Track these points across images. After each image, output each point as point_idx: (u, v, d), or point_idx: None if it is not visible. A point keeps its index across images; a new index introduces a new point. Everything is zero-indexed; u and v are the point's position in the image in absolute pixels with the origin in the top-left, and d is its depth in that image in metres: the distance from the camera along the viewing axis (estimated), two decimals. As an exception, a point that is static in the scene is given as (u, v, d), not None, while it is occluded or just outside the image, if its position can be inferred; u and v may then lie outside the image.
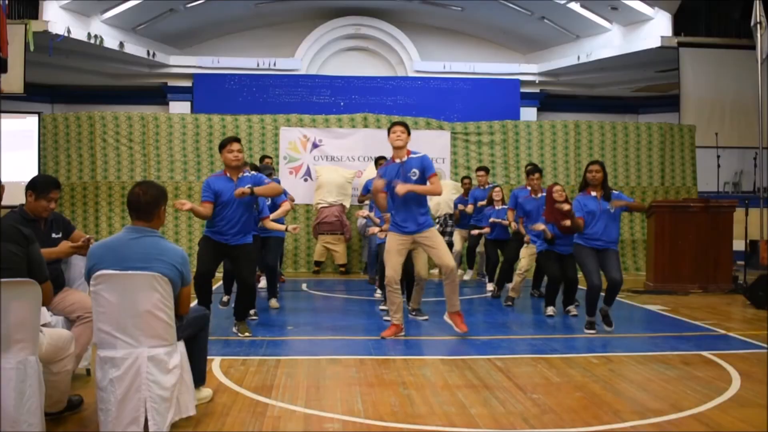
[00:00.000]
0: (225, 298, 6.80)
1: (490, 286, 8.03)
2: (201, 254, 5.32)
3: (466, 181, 9.26)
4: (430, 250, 5.32)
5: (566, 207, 5.64)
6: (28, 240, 2.90)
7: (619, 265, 5.67)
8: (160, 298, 3.04)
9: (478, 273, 9.37)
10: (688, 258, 8.23)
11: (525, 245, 7.12)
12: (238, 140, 5.30)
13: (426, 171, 5.26)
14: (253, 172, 5.51)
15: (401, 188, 5.08)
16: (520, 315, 6.73)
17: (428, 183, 5.25)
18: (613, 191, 5.75)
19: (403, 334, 5.42)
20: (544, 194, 6.74)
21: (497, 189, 8.05)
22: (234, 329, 5.45)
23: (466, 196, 9.03)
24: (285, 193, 8.61)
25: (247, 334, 5.38)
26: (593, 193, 5.69)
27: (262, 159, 8.57)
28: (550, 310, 6.51)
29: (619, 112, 14.96)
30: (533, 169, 7.12)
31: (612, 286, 5.62)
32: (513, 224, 7.40)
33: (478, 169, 8.91)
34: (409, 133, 5.32)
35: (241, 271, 5.31)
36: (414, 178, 5.23)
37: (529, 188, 7.16)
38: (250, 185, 5.20)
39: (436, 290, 7.50)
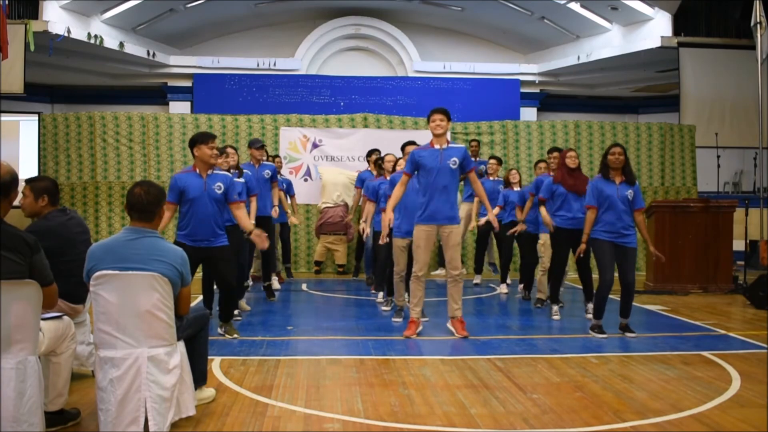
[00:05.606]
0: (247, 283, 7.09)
1: (504, 288, 8.06)
2: None
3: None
4: (447, 247, 5.33)
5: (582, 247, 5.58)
6: (32, 249, 2.88)
7: (634, 268, 5.43)
8: (160, 298, 3.04)
9: (489, 262, 9.33)
10: (688, 258, 8.23)
11: (539, 242, 6.92)
12: (215, 138, 5.16)
13: (467, 165, 5.35)
14: (224, 172, 5.32)
15: (493, 219, 5.56)
16: (520, 315, 6.72)
17: (470, 177, 5.51)
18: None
19: (421, 329, 5.50)
20: None
21: (513, 171, 7.95)
22: (220, 330, 5.32)
23: None
24: (290, 189, 8.71)
25: (235, 335, 5.29)
26: (612, 177, 5.39)
27: (274, 158, 8.64)
28: (555, 309, 6.33)
29: (619, 112, 14.96)
30: (552, 149, 7.00)
31: (624, 288, 5.41)
32: (521, 225, 7.13)
33: (490, 157, 8.85)
34: (449, 120, 5.33)
35: (220, 272, 5.14)
36: (453, 167, 5.28)
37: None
38: (245, 228, 5.16)
39: (438, 291, 7.50)
